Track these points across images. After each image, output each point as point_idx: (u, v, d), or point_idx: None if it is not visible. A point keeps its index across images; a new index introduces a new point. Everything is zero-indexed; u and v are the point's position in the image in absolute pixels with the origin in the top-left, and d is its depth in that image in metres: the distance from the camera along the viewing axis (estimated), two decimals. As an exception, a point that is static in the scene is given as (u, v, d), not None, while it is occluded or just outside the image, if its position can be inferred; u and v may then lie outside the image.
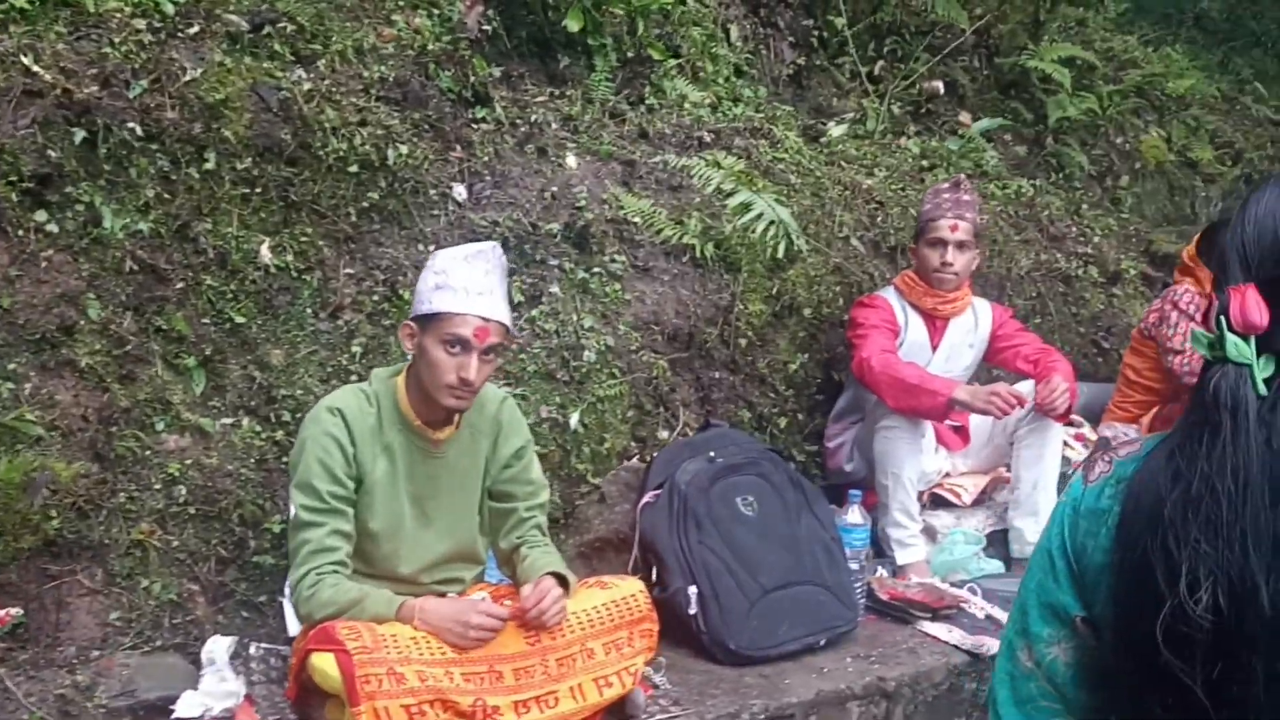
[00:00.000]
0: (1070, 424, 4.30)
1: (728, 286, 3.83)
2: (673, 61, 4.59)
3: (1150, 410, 4.18)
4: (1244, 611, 1.01)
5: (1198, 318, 4.02)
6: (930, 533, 3.71)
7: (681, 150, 4.20)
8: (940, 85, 5.48)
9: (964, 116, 5.47)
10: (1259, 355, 1.05)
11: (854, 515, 3.27)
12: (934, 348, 3.76)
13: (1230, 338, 1.05)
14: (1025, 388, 3.61)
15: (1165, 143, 6.13)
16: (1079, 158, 5.64)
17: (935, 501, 3.82)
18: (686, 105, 4.45)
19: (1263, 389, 1.04)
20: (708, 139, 4.29)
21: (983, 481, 3.83)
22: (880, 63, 5.47)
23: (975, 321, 3.79)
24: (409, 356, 2.55)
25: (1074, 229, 5.03)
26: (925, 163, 4.86)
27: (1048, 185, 5.43)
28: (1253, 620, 1.01)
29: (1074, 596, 1.17)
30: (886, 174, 4.63)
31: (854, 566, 3.23)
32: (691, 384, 3.74)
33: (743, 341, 3.80)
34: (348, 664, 2.19)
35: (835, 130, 4.98)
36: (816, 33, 5.36)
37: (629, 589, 2.60)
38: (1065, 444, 4.13)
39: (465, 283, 2.43)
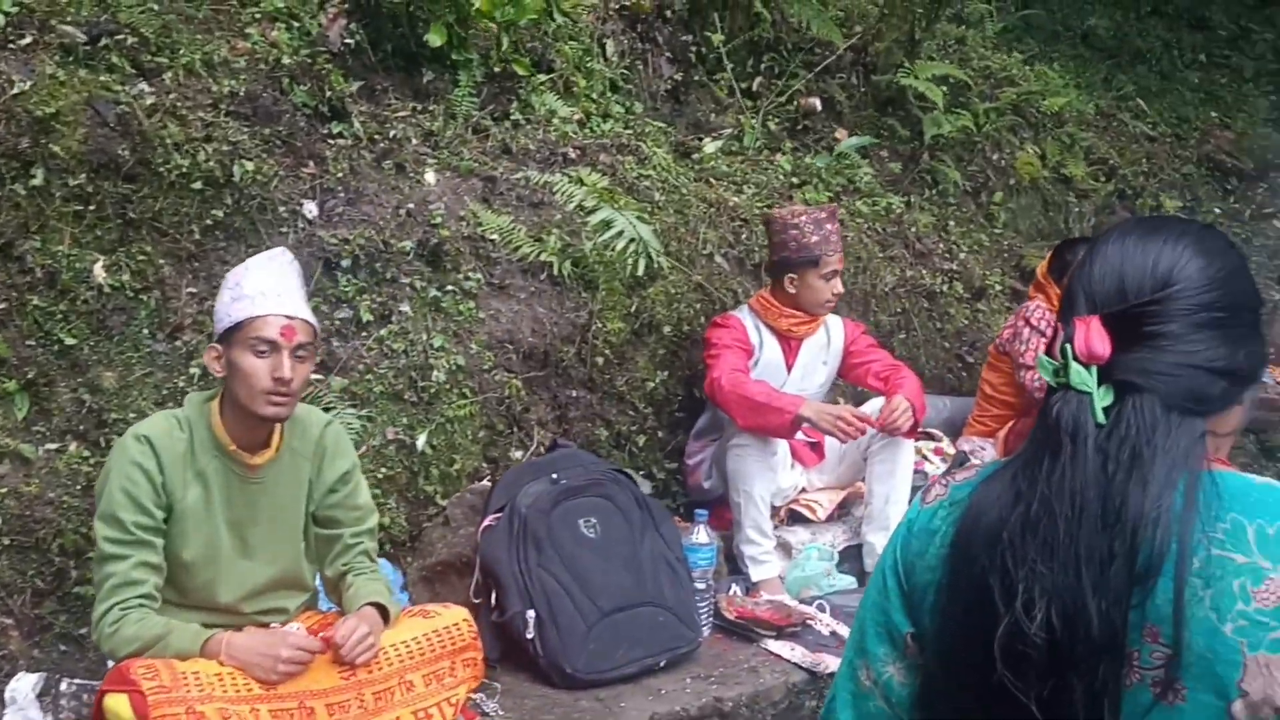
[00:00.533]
0: (930, 438, 4.37)
1: (586, 304, 3.82)
2: (544, 77, 4.58)
3: (1006, 424, 4.26)
4: (1074, 631, 1.05)
5: (1049, 334, 4.11)
6: (786, 549, 3.74)
7: (545, 167, 4.18)
8: (817, 102, 5.54)
9: (840, 133, 5.53)
10: (1100, 384, 1.10)
11: (700, 535, 3.28)
12: (789, 367, 3.79)
13: (1074, 366, 1.10)
14: (876, 405, 3.65)
15: (1040, 159, 6.26)
16: (954, 174, 5.74)
17: (792, 517, 3.85)
18: (555, 121, 4.44)
19: (1101, 417, 1.09)
20: (573, 155, 4.28)
21: (838, 496, 3.86)
22: (758, 79, 5.51)
23: (828, 339, 3.83)
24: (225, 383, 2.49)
25: (941, 245, 5.12)
26: (795, 180, 4.91)
27: (922, 201, 5.51)
28: (1081, 639, 1.05)
29: (905, 615, 1.21)
30: (755, 191, 4.66)
31: (700, 586, 3.24)
32: (548, 403, 3.73)
33: (600, 360, 3.80)
34: (141, 705, 2.13)
35: (709, 146, 5.00)
36: (695, 48, 5.38)
37: (452, 618, 2.57)
38: (925, 458, 4.21)
39: (260, 288, 2.40)
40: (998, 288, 5.29)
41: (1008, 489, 1.12)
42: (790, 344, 3.78)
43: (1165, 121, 7.70)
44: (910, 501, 3.65)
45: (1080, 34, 8.74)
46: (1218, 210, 7.26)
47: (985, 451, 4.19)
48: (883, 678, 1.22)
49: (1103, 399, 1.10)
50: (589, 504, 3.13)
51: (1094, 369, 1.10)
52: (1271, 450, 5.15)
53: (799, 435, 3.76)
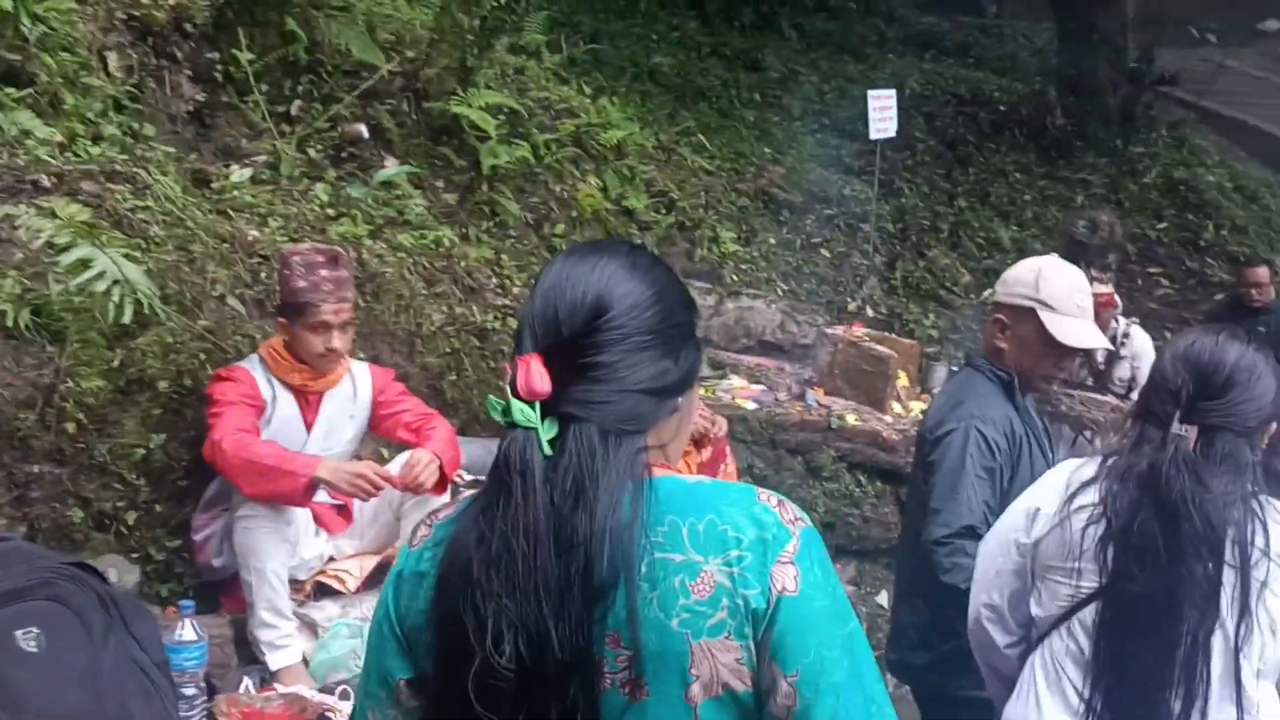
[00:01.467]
0: (480, 485, 4.11)
1: (52, 360, 3.20)
2: (17, 92, 3.89)
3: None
4: (541, 658, 1.10)
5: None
6: (313, 628, 3.31)
7: (10, 196, 3.51)
8: (364, 128, 5.18)
9: (390, 162, 5.20)
10: (544, 418, 1.14)
11: (186, 632, 2.79)
12: (309, 425, 3.35)
13: (516, 404, 1.13)
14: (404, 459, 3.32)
15: (602, 191, 6.27)
16: (513, 206, 5.58)
17: (320, 591, 3.42)
18: (29, 143, 3.76)
19: (548, 450, 1.13)
20: (47, 183, 3.63)
21: (371, 564, 3.47)
22: (297, 102, 5.07)
23: (354, 389, 3.45)
24: None
25: (494, 280, 4.91)
26: (333, 211, 4.51)
27: (480, 234, 5.30)
28: (549, 664, 1.10)
29: (400, 660, 1.23)
30: (283, 224, 4.21)
31: (189, 692, 2.75)
32: (2, 483, 3.07)
33: (72, 426, 3.19)
34: None
35: (237, 175, 4.49)
36: (221, 67, 4.85)
37: None
38: (474, 509, 3.93)
39: None
40: (555, 322, 5.16)
41: (473, 529, 1.15)
42: (308, 398, 3.36)
43: (723, 156, 8.06)
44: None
45: (646, 70, 9.03)
46: (773, 240, 7.66)
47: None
48: (388, 718, 1.26)
49: (548, 432, 1.14)
50: (30, 610, 2.52)
51: (537, 405, 1.14)
52: (817, 470, 5.39)
53: (323, 498, 3.35)
